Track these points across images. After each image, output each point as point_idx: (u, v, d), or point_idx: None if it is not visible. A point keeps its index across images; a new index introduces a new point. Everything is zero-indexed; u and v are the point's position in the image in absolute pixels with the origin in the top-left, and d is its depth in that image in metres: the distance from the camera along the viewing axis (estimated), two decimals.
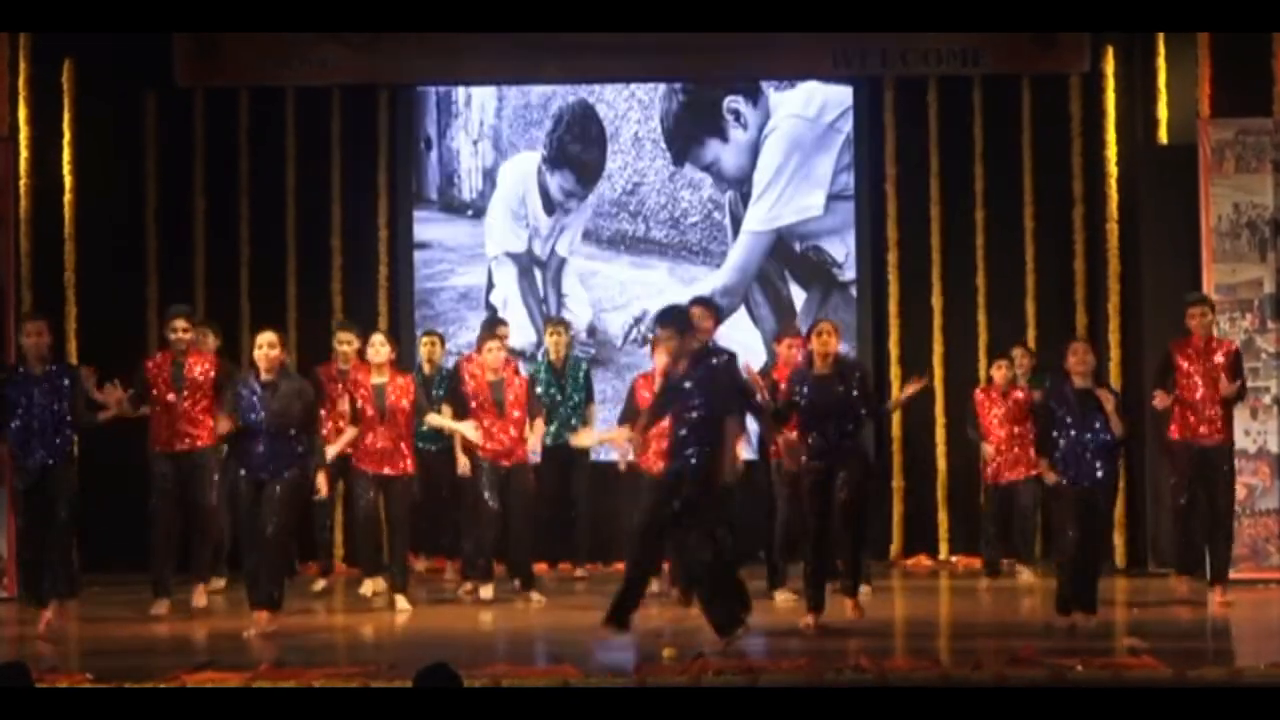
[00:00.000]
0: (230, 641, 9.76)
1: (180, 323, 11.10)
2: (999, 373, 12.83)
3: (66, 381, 10.09)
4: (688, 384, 9.28)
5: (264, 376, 9.96)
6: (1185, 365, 11.11)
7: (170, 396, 10.92)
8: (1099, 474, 9.90)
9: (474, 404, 11.32)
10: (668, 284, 14.45)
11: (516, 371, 11.99)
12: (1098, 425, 9.87)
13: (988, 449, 12.72)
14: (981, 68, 14.09)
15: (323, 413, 10.91)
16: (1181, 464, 11.20)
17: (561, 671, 8.28)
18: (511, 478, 11.35)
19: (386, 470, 11.23)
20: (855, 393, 9.96)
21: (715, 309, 9.91)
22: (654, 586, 11.18)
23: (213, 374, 10.97)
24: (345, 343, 12.16)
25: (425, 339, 12.77)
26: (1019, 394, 12.69)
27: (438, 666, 6.20)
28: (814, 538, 9.99)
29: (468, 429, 11.13)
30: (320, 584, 12.18)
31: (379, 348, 11.35)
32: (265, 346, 10.01)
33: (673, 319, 9.45)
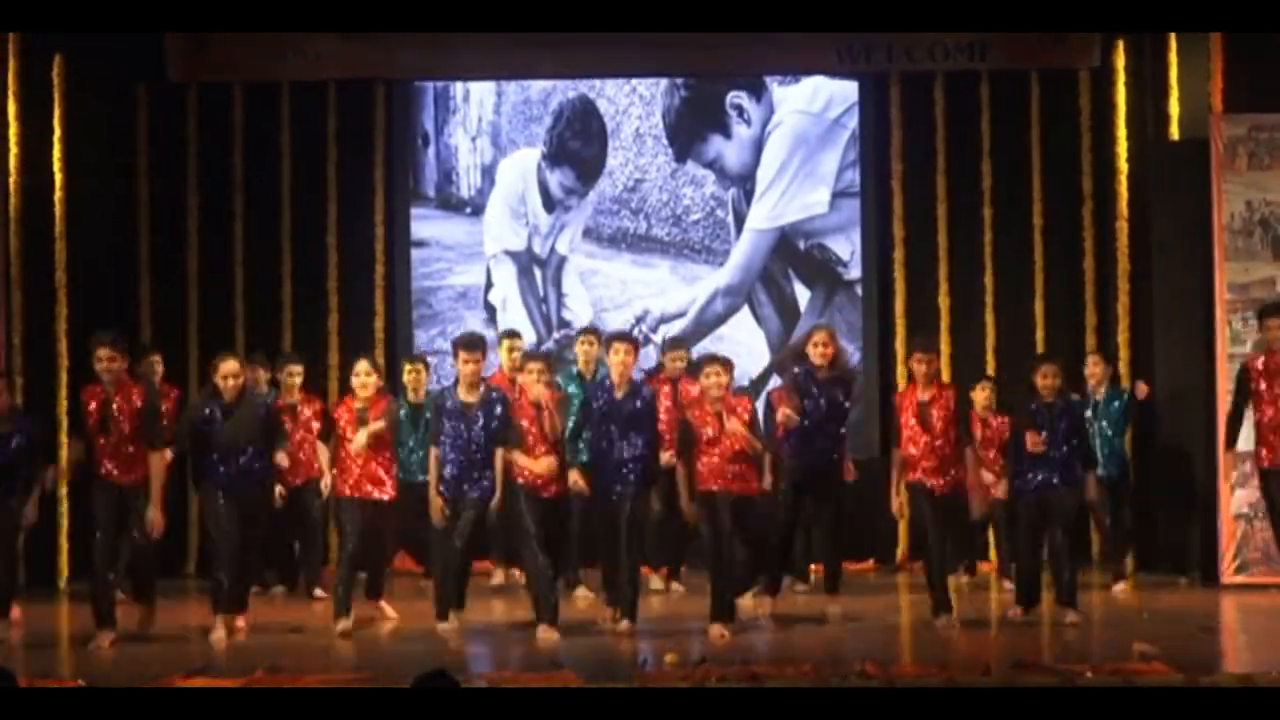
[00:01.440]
0: (226, 648, 9.80)
1: (104, 351, 10.04)
2: (981, 394, 12.29)
3: None
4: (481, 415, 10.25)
5: (227, 400, 10.17)
6: (1263, 385, 10.85)
7: (101, 438, 10.09)
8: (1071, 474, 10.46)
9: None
10: (670, 282, 14.49)
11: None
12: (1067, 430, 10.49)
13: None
14: (989, 63, 14.12)
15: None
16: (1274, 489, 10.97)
17: (561, 677, 8.31)
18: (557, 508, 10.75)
19: (371, 492, 10.81)
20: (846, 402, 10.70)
21: (636, 343, 10.83)
22: (654, 582, 11.39)
23: (140, 406, 10.06)
24: (295, 374, 12.13)
25: (409, 367, 11.84)
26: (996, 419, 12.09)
27: (436, 673, 6.22)
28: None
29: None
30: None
31: (365, 378, 10.83)
32: (230, 378, 10.17)
33: (485, 347, 10.70)
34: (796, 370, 10.76)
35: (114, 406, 9.97)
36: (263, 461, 10.25)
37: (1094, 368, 12.42)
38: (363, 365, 11.01)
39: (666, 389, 11.58)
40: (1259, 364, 11.03)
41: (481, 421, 10.25)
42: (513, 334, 12.63)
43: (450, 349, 11.15)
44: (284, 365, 12.29)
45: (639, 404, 10.39)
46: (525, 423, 10.32)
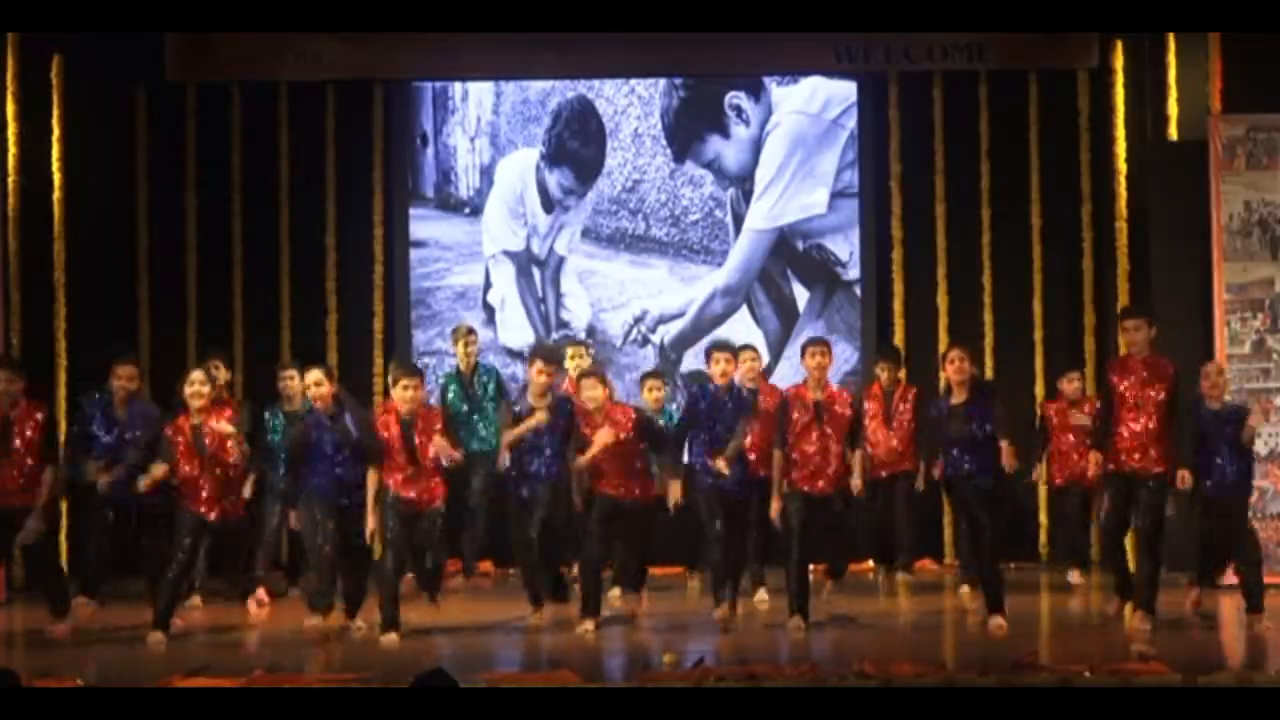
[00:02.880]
0: (224, 648, 9.82)
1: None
2: (1070, 385, 12.49)
3: None
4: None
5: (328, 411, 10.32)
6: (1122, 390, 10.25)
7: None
8: None
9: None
10: (668, 283, 14.50)
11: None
12: None
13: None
14: (987, 63, 14.14)
15: None
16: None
17: (560, 677, 8.32)
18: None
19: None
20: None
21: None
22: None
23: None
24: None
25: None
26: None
27: (435, 672, 6.23)
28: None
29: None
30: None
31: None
32: (313, 385, 10.30)
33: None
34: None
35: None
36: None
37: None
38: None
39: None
40: (1115, 370, 10.41)
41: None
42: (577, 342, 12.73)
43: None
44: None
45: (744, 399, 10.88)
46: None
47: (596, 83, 14.59)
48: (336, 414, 10.22)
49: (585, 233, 14.58)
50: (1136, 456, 10.13)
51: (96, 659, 9.53)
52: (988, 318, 14.16)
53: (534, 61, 14.16)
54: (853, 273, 14.48)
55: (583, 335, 14.18)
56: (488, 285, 14.56)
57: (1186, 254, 12.52)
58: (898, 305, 14.25)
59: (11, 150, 12.68)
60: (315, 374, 10.34)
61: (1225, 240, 12.20)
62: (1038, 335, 14.05)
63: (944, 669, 8.50)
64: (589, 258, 14.56)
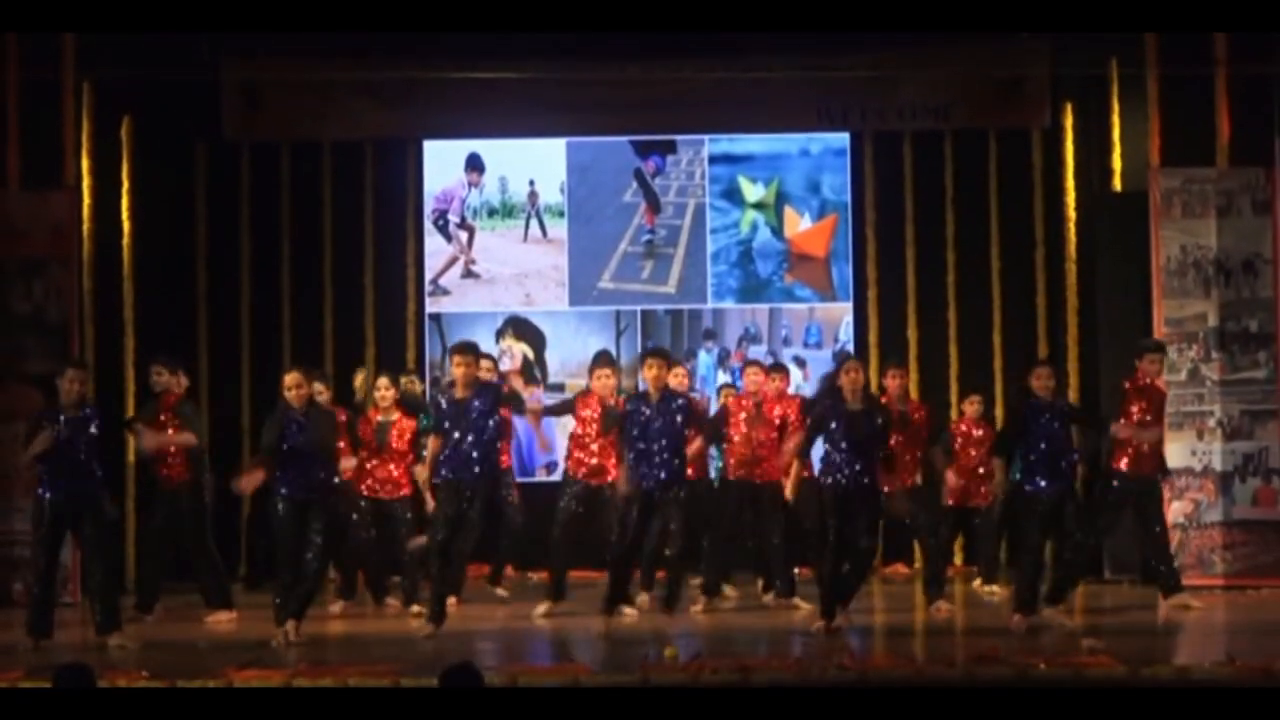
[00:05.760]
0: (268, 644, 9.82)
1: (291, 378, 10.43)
2: (971, 407, 12.12)
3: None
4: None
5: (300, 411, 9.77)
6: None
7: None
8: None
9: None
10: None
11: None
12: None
13: (950, 477, 11.77)
14: (952, 122, 14.16)
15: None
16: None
17: (573, 669, 8.30)
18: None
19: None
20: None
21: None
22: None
23: None
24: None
25: (405, 380, 11.98)
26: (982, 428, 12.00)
27: (462, 665, 6.20)
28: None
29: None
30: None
31: (384, 391, 11.30)
32: (294, 388, 9.74)
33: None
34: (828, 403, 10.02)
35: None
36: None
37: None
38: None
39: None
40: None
41: None
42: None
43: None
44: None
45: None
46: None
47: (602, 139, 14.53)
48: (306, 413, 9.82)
49: None
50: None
51: (160, 651, 9.50)
52: (952, 349, 14.17)
53: (549, 122, 14.17)
54: None
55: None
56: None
57: (1129, 292, 12.55)
58: (872, 338, 14.25)
59: (86, 201, 12.70)
60: (295, 377, 9.86)
61: (1164, 280, 12.22)
62: (997, 364, 14.05)
63: (914, 663, 8.47)
64: None
